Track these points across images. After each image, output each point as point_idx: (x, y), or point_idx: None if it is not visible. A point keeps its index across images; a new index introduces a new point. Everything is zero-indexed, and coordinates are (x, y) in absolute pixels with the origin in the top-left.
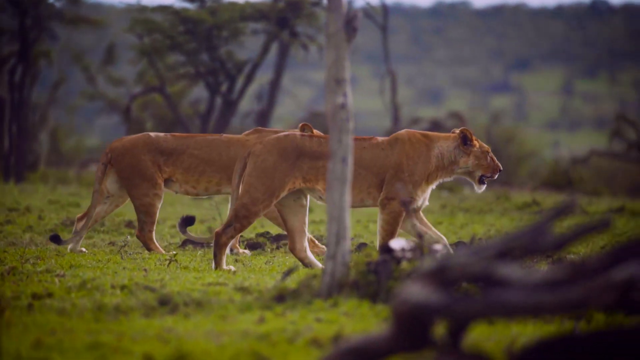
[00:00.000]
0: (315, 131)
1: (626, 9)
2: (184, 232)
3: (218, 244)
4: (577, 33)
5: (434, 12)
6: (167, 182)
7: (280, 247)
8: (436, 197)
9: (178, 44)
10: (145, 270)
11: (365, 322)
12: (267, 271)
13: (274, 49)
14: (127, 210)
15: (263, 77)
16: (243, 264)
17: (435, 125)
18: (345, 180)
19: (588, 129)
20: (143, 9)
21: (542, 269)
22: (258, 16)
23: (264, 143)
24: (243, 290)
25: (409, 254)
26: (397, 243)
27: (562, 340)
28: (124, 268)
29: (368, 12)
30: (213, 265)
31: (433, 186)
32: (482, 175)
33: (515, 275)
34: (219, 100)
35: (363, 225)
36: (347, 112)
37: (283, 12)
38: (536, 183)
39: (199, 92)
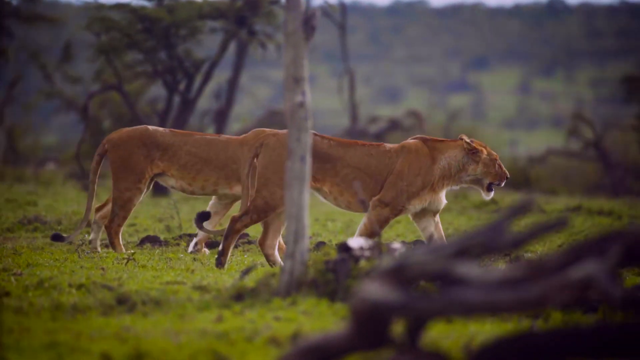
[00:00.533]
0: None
1: (582, 8)
2: (200, 227)
3: (232, 229)
4: (534, 32)
5: (391, 11)
6: (163, 176)
7: (239, 245)
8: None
9: (136, 42)
10: (102, 269)
11: (324, 320)
12: (225, 270)
13: (232, 47)
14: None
15: (221, 75)
16: (201, 263)
17: (394, 124)
18: (304, 179)
19: (545, 127)
20: (100, 6)
21: (500, 267)
22: (216, 14)
23: (278, 136)
24: (201, 289)
25: (367, 253)
26: (355, 242)
27: (519, 338)
28: (81, 267)
29: (326, 10)
30: (220, 247)
31: (441, 193)
32: (490, 183)
33: (473, 273)
34: (177, 99)
35: (321, 223)
36: (306, 111)
37: (241, 10)
38: None
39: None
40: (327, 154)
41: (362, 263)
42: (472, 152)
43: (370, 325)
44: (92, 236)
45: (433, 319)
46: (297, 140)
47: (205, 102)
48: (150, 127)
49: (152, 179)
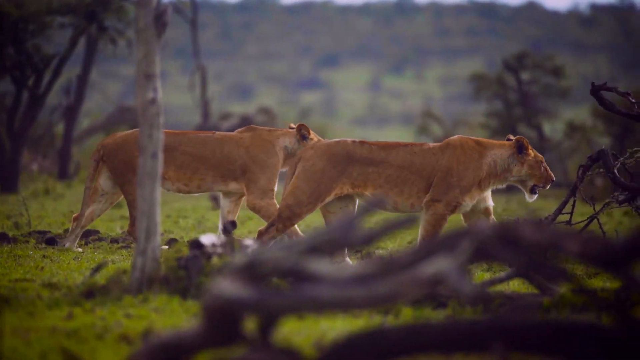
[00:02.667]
0: (312, 132)
1: (431, 7)
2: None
3: (261, 242)
4: (384, 30)
5: (242, 7)
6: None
7: (89, 243)
8: None
9: None
10: None
11: (176, 317)
12: (75, 267)
13: (82, 43)
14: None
15: (71, 71)
16: (51, 260)
17: (245, 121)
18: (155, 176)
19: (395, 124)
20: None
21: (352, 263)
22: (66, 10)
23: (315, 148)
24: (51, 286)
25: (219, 250)
26: (207, 238)
27: (370, 334)
28: None
29: (177, 7)
30: None
31: (487, 192)
32: (534, 185)
33: (325, 270)
34: (25, 95)
35: (173, 220)
36: (157, 107)
37: (91, 5)
38: None
39: (5, 86)
40: (368, 158)
41: (214, 260)
42: (518, 153)
43: (222, 322)
44: (67, 245)
45: (285, 316)
46: (148, 137)
47: (55, 98)
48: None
49: None
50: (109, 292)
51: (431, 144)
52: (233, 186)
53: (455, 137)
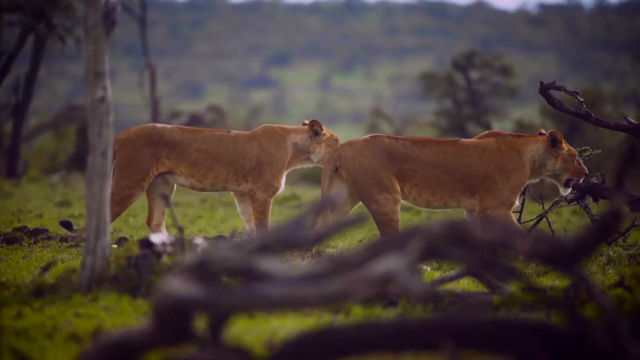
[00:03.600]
0: (324, 128)
1: (381, 5)
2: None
3: None
4: (333, 29)
5: (192, 6)
6: (171, 174)
7: (38, 241)
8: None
9: None
10: None
11: (126, 316)
12: (24, 266)
13: (30, 40)
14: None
15: (19, 69)
16: None
17: (195, 119)
18: (105, 174)
19: (345, 123)
20: None
21: (301, 262)
22: (13, 7)
23: (353, 146)
24: (0, 285)
25: (169, 248)
26: (157, 237)
27: (321, 333)
28: None
29: (126, 5)
30: None
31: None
32: (568, 179)
33: (275, 269)
34: None
35: (123, 219)
36: (107, 106)
37: (39, 3)
38: (295, 177)
39: None
40: (403, 154)
41: (165, 259)
42: (552, 146)
43: (172, 321)
44: None
45: (235, 315)
46: (98, 136)
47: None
48: (158, 125)
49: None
50: (58, 291)
51: (465, 142)
52: (245, 186)
53: (489, 136)
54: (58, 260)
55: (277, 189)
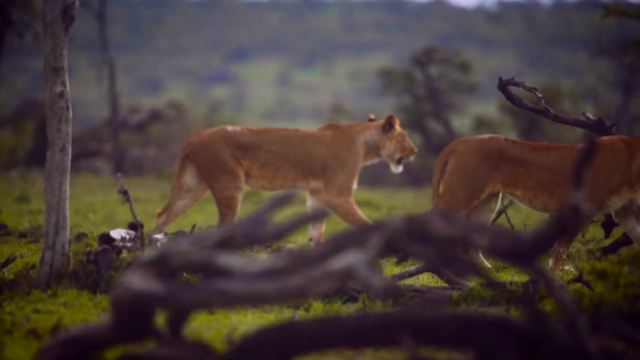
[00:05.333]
0: (397, 124)
1: (340, 1)
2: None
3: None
4: (293, 24)
5: (151, 1)
6: (245, 177)
7: None
8: (155, 187)
9: None
10: None
11: (85, 312)
12: None
13: None
14: None
15: None
16: None
17: (154, 115)
18: (64, 170)
19: (305, 119)
20: None
21: (261, 257)
22: None
23: (468, 143)
24: None
25: (129, 244)
26: (116, 233)
27: (281, 328)
28: None
29: (85, 0)
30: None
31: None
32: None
33: (235, 264)
34: None
35: (82, 215)
36: (66, 101)
37: None
38: None
39: None
40: (519, 157)
41: (124, 254)
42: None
43: (132, 316)
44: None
45: (195, 310)
46: (57, 131)
47: None
48: (229, 128)
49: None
50: (17, 287)
51: (582, 146)
52: (314, 184)
53: (606, 137)
54: (17, 256)
55: (351, 189)
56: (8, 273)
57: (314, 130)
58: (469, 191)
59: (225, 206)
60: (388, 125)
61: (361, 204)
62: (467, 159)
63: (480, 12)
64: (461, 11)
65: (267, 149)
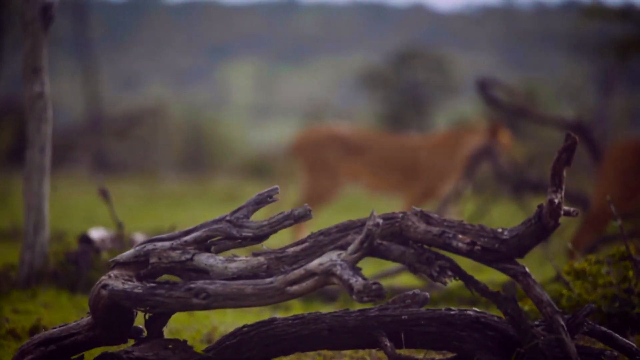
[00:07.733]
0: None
1: (319, 3)
2: None
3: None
4: (272, 24)
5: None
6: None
7: None
8: (136, 187)
9: None
10: None
11: (65, 312)
12: None
13: None
14: None
15: None
16: None
17: (134, 114)
18: (44, 170)
19: (284, 118)
20: None
21: (242, 258)
22: None
23: (620, 147)
24: None
25: (109, 244)
26: (96, 233)
27: (260, 327)
28: None
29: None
30: None
31: None
32: None
33: (216, 264)
34: None
35: (62, 215)
36: (45, 101)
37: None
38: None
39: None
40: None
41: (104, 254)
42: None
43: (110, 316)
44: None
45: (175, 310)
46: (36, 131)
47: None
48: (334, 128)
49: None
50: None
51: None
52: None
53: None
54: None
55: (433, 196)
56: None
57: (420, 135)
58: (624, 194)
59: (310, 201)
60: (492, 133)
61: (342, 209)
62: (622, 162)
63: (460, 13)
64: (441, 13)
65: (374, 152)
